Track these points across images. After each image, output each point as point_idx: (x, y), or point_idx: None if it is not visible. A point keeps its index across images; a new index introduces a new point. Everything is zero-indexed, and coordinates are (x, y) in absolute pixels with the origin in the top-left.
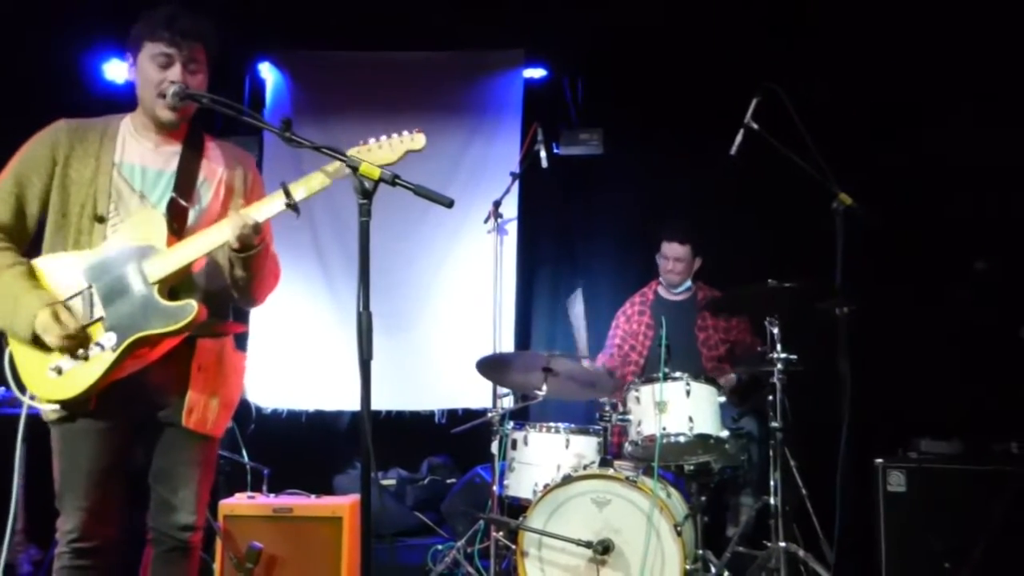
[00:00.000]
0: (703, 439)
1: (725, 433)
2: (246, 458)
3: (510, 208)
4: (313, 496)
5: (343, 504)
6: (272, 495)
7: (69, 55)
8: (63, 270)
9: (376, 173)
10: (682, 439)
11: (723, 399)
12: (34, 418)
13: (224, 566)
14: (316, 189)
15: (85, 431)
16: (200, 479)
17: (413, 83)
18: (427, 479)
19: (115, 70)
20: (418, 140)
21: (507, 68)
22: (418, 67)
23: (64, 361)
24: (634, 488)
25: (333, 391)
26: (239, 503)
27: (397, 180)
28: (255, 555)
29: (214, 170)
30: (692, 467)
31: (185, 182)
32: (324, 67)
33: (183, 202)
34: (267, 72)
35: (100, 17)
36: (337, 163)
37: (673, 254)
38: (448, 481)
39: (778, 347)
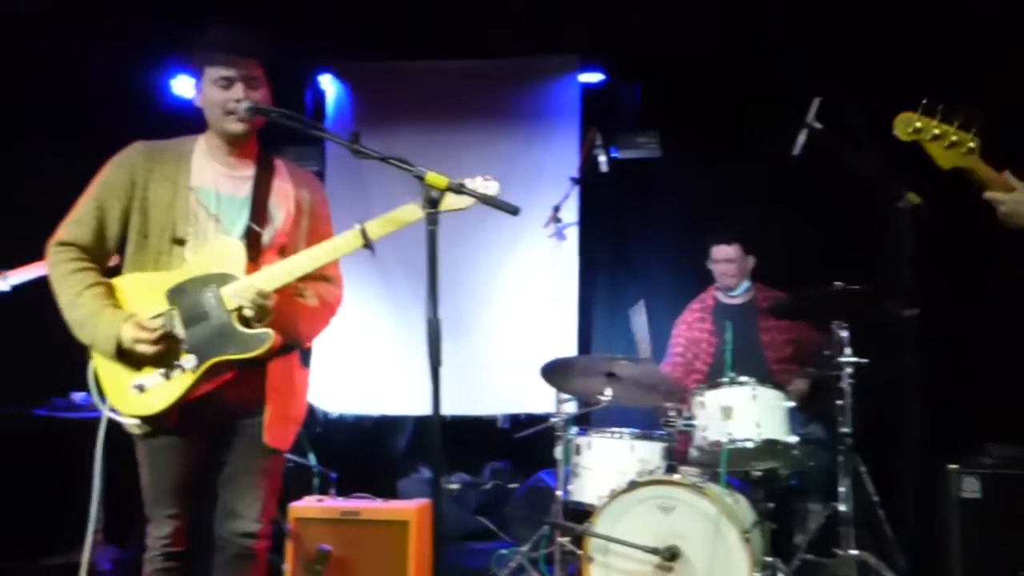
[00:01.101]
0: (771, 445)
1: (793, 439)
2: (313, 461)
3: (569, 213)
4: (379, 500)
5: (409, 508)
6: (340, 498)
7: (137, 72)
8: (145, 290)
9: (443, 183)
10: (749, 445)
11: (791, 404)
12: (113, 423)
13: (295, 567)
14: (391, 230)
15: (168, 445)
16: (267, 489)
17: (469, 91)
18: (489, 484)
19: (182, 85)
20: (491, 187)
21: (563, 73)
22: (474, 75)
23: (147, 379)
24: (700, 494)
25: (397, 396)
26: (308, 506)
27: (463, 189)
28: (324, 557)
29: (284, 192)
30: (759, 473)
31: (259, 209)
32: (383, 77)
33: (258, 228)
34: (327, 84)
35: (167, 34)
36: (412, 211)
37: (723, 256)
38: (510, 486)
39: (847, 350)
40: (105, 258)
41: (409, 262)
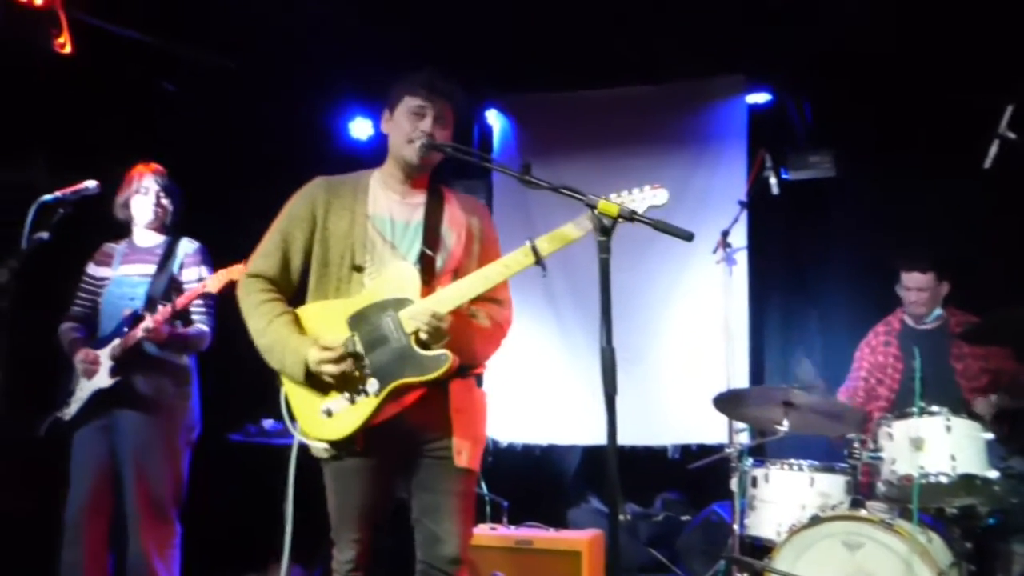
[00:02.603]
0: (967, 480)
1: (994, 473)
2: (485, 490)
3: (738, 237)
4: (551, 529)
5: (582, 538)
6: (512, 527)
7: (319, 115)
8: (327, 317)
9: (615, 210)
10: (943, 479)
11: (990, 436)
12: (300, 449)
13: None
14: (560, 245)
15: (355, 469)
16: (464, 511)
17: (634, 118)
18: (661, 515)
19: (359, 128)
20: (660, 196)
21: (729, 95)
22: (638, 101)
23: (333, 404)
24: (890, 531)
25: (565, 425)
26: (483, 534)
27: (635, 216)
28: None
29: (455, 219)
30: (955, 510)
31: (431, 234)
32: (547, 109)
33: (430, 252)
34: (493, 119)
35: (347, 82)
36: (580, 224)
37: (915, 284)
38: (683, 518)
39: None
40: (290, 288)
41: (577, 290)
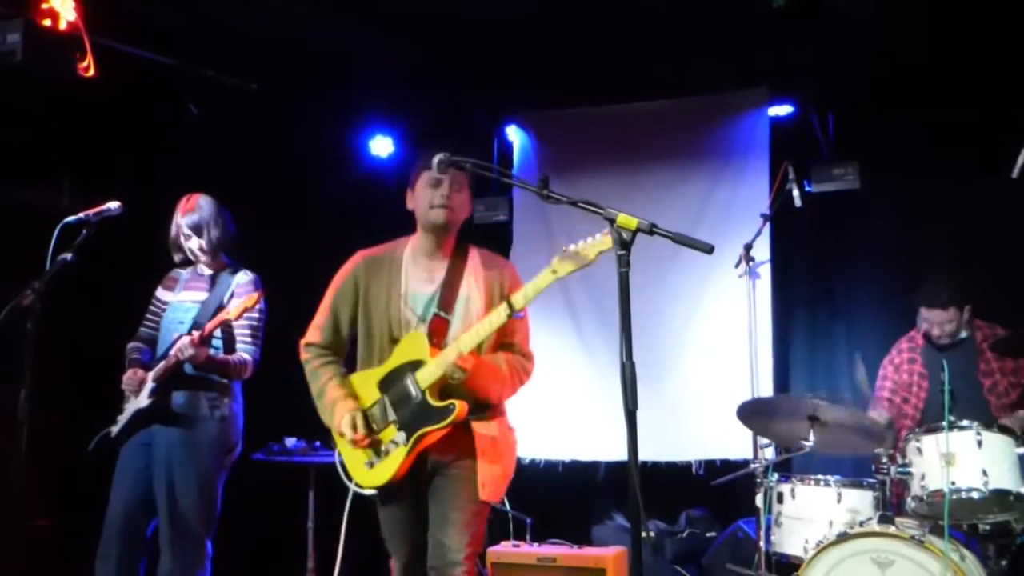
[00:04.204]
0: (1000, 495)
1: None
2: (508, 507)
3: (761, 251)
4: (575, 546)
5: (606, 555)
6: (535, 544)
7: (340, 134)
8: (366, 384)
9: (633, 224)
10: (975, 495)
11: (1022, 451)
12: (321, 467)
13: None
14: (540, 290)
15: (393, 492)
16: (473, 529)
17: (655, 132)
18: (686, 532)
19: (379, 146)
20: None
21: (751, 108)
22: (660, 115)
23: (375, 458)
24: (921, 548)
25: (588, 441)
26: (505, 551)
27: (655, 229)
28: None
29: (478, 278)
30: (988, 527)
31: (447, 298)
32: (567, 124)
33: (444, 315)
34: (513, 134)
35: (367, 100)
36: (546, 277)
37: (937, 319)
38: (708, 535)
39: None
40: (344, 349)
41: (599, 305)
